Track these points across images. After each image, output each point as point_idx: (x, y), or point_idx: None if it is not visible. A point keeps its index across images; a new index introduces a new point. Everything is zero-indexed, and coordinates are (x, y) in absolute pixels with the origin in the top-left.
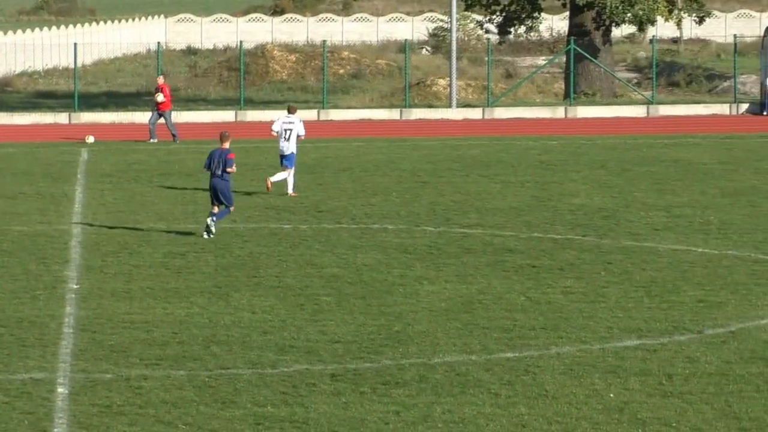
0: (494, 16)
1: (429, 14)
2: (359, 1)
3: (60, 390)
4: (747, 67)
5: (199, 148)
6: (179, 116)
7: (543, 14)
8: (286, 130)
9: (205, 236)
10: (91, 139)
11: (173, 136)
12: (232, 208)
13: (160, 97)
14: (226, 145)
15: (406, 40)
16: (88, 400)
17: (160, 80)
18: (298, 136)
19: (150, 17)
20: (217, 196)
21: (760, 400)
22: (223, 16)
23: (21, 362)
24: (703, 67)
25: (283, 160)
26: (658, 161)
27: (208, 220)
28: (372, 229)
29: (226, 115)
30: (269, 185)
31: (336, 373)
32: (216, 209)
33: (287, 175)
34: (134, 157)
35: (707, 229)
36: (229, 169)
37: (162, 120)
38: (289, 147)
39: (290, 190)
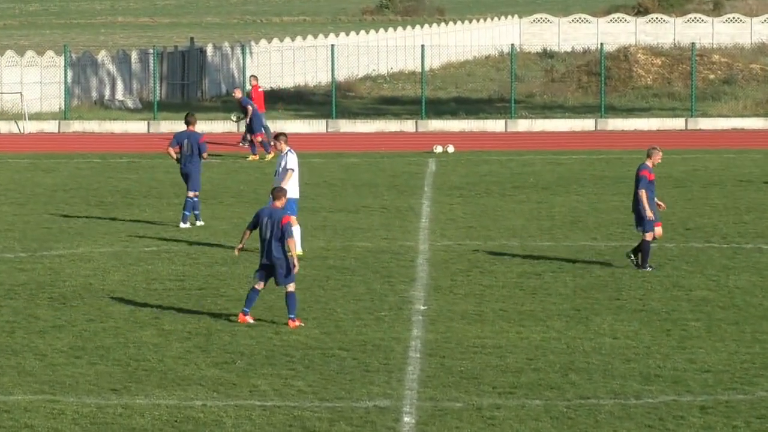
0: None
1: None
2: (731, 0)
3: (406, 419)
4: None
5: (556, 159)
6: (533, 124)
7: None
8: None
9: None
10: (442, 149)
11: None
12: None
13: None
14: None
15: None
16: (436, 430)
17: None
18: None
19: (503, 17)
20: None
21: None
22: (583, 16)
23: (365, 389)
24: None
25: None
26: None
27: None
28: (745, 248)
29: (585, 124)
30: None
31: (706, 405)
32: None
33: None
34: (486, 168)
35: None
36: None
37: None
38: None
39: None
